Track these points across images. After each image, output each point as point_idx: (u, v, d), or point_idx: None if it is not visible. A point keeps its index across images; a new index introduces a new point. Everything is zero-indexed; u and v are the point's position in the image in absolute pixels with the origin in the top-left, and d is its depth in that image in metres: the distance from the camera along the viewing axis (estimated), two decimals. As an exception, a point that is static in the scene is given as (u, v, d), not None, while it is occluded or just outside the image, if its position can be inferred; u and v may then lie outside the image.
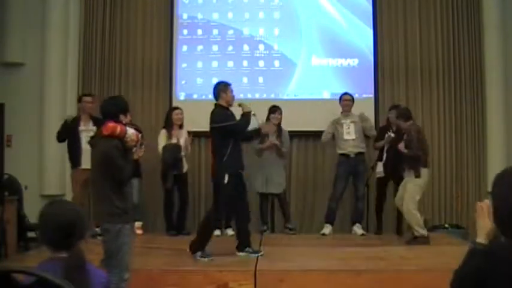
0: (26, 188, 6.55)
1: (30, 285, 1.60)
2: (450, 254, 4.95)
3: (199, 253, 4.75)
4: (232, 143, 4.92)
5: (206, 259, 4.69)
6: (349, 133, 6.46)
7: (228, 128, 4.92)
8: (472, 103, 7.33)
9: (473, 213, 1.98)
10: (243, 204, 5.12)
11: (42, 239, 2.00)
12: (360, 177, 6.48)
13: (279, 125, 6.60)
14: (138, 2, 7.52)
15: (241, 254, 4.98)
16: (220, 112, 5.00)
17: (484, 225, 1.90)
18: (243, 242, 5.02)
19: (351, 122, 6.49)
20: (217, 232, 6.53)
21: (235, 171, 4.94)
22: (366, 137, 6.59)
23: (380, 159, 6.55)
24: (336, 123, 6.52)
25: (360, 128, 6.48)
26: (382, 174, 6.47)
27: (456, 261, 1.88)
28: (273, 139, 6.49)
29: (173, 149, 6.22)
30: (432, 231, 6.47)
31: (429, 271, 4.11)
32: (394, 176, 6.31)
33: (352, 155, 6.43)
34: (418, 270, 4.25)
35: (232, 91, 5.09)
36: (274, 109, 6.58)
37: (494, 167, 6.79)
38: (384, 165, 6.44)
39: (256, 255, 4.86)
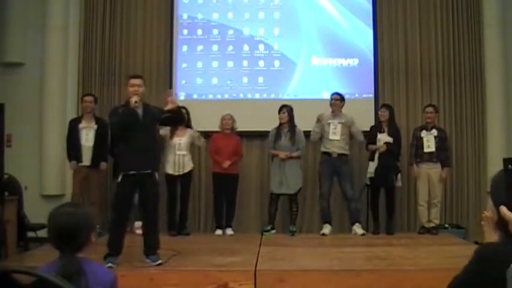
0: (26, 188, 6.56)
1: (30, 285, 1.59)
2: (450, 254, 4.96)
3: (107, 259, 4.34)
4: (125, 142, 4.53)
5: (108, 264, 4.20)
6: (335, 133, 6.45)
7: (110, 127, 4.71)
8: (472, 103, 7.33)
9: (479, 219, 1.92)
10: (144, 207, 4.63)
11: (49, 240, 2.01)
12: (344, 178, 6.45)
13: (291, 124, 6.50)
14: (138, 2, 7.53)
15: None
16: (113, 110, 4.72)
17: (491, 239, 1.87)
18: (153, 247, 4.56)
19: (339, 122, 6.47)
20: (218, 232, 6.52)
21: (125, 171, 4.48)
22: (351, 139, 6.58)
23: (372, 159, 6.58)
24: (323, 122, 6.49)
25: (347, 130, 6.48)
26: (372, 175, 6.54)
27: (456, 261, 1.88)
28: (285, 141, 6.43)
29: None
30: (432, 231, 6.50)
31: (429, 271, 4.10)
32: (386, 181, 6.43)
33: (335, 155, 6.42)
34: (418, 270, 4.24)
35: (132, 85, 4.50)
36: (280, 108, 6.52)
37: (494, 166, 6.77)
38: (376, 171, 6.48)
39: (156, 263, 4.42)
